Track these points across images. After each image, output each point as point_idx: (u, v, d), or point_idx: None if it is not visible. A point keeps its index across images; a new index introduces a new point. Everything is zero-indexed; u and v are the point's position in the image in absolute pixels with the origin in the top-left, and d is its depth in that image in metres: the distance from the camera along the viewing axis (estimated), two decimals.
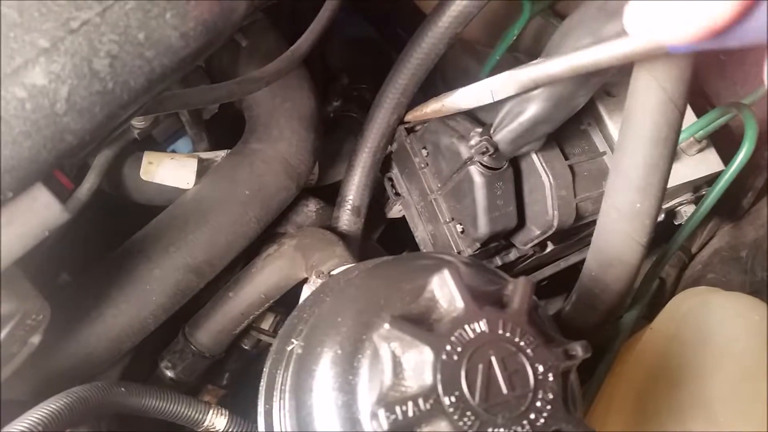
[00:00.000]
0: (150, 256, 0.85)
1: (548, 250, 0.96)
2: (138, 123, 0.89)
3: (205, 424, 0.84)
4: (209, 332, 0.97)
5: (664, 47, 0.40)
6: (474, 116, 0.87)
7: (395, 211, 1.05)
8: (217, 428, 0.85)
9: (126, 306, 0.83)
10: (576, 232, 0.93)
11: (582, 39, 0.65)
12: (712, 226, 1.18)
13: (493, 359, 0.47)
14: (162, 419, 0.84)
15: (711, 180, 0.95)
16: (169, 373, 0.98)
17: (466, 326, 0.47)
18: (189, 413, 0.82)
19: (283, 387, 0.58)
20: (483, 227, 0.83)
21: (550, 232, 0.85)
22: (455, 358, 0.46)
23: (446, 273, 0.49)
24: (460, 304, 0.48)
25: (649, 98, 0.61)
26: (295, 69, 0.95)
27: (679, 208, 0.96)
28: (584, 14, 0.65)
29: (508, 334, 0.48)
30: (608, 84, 0.89)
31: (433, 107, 0.80)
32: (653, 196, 0.64)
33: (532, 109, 0.74)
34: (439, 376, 0.45)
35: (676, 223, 0.97)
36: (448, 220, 0.89)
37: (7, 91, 0.43)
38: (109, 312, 0.82)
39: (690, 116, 0.88)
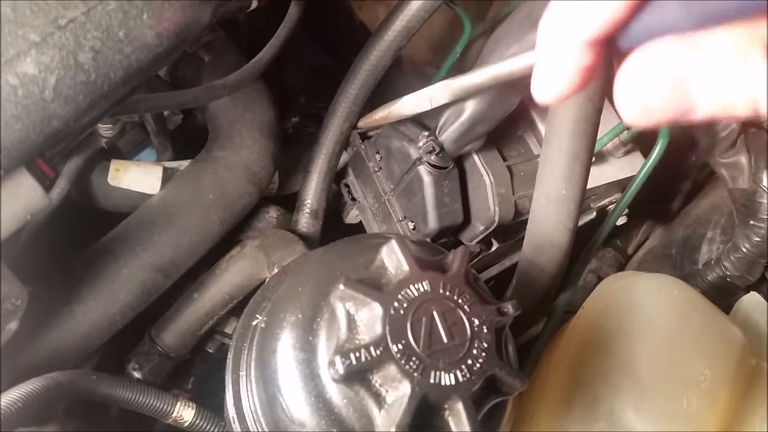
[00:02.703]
0: (118, 256, 0.89)
1: (494, 248, 1.04)
2: (105, 132, 0.94)
3: (173, 415, 0.88)
4: (175, 333, 1.00)
5: None
6: (422, 123, 0.95)
7: (352, 216, 1.12)
8: (184, 419, 0.89)
9: (95, 303, 0.87)
10: (517, 229, 1.01)
11: (510, 47, 0.73)
12: (645, 229, 1.28)
13: (435, 314, 0.54)
14: (130, 411, 0.87)
15: None
16: (136, 374, 1.01)
17: (411, 286, 0.54)
18: (157, 404, 0.86)
19: (248, 357, 0.63)
20: (432, 222, 0.91)
21: (493, 227, 0.93)
22: (401, 312, 0.53)
23: (394, 242, 0.56)
24: (405, 267, 0.55)
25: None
26: (255, 81, 1.02)
27: (609, 207, 1.05)
28: (512, 22, 0.74)
29: (447, 293, 0.55)
30: None
31: (381, 114, 0.88)
32: (576, 183, 0.72)
33: (469, 110, 0.82)
34: (387, 328, 0.52)
35: None
36: (400, 219, 0.96)
37: (2, 78, 0.48)
38: (79, 309, 0.86)
39: (614, 119, 0.98)
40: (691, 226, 1.16)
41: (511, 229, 1.00)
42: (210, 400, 0.94)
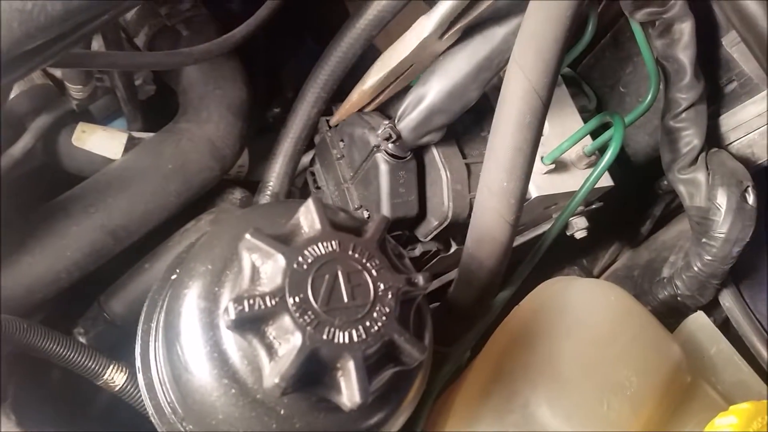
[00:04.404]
0: (70, 214, 0.90)
1: (453, 249, 1.03)
2: (76, 93, 0.95)
3: (105, 377, 0.88)
4: (123, 301, 1.00)
5: None
6: (387, 114, 0.96)
7: None
8: (116, 383, 0.88)
9: (41, 256, 0.87)
10: None
11: None
12: (613, 251, 1.27)
13: (340, 273, 0.53)
14: (73, 376, 0.87)
15: (602, 195, 1.04)
16: (81, 339, 1.01)
17: (320, 244, 0.54)
18: (89, 363, 0.85)
19: (161, 308, 0.63)
20: (385, 212, 0.91)
21: (446, 223, 0.93)
22: (305, 267, 0.52)
23: (311, 201, 0.56)
24: (317, 226, 0.55)
25: (516, 88, 0.69)
26: (231, 61, 1.03)
27: (571, 219, 1.04)
28: None
29: (357, 256, 0.55)
30: None
31: (357, 92, 0.89)
32: (518, 177, 0.72)
33: (429, 99, 0.83)
34: (287, 280, 0.51)
35: (568, 234, 1.05)
36: (356, 207, 0.96)
37: None
38: (25, 259, 0.86)
39: (576, 125, 0.98)
40: (656, 250, 1.15)
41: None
42: None
